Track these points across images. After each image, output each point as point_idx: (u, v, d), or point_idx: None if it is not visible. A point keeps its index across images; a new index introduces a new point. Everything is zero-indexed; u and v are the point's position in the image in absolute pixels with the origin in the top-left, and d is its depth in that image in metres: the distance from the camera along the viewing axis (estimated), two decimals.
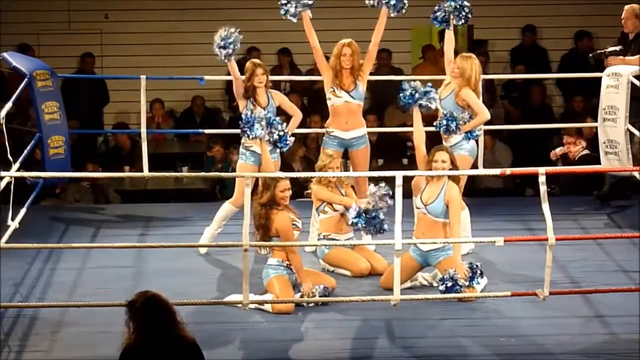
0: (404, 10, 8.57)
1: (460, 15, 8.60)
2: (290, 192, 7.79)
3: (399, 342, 7.11)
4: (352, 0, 12.53)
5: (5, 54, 9.64)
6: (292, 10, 8.54)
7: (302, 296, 7.55)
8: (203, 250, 8.68)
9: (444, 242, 7.76)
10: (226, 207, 8.68)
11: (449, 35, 8.69)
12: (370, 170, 9.15)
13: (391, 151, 11.89)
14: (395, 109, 12.95)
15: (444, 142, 8.45)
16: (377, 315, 7.44)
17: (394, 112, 12.78)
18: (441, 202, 7.78)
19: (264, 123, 7.80)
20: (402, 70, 13.26)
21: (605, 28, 13.18)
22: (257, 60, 8.84)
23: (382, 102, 12.88)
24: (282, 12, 8.61)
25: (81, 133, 11.90)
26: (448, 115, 8.43)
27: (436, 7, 8.66)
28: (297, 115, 8.76)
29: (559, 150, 10.57)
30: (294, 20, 8.57)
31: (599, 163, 9.73)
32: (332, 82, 8.57)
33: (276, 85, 13.26)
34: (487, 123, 8.81)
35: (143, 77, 9.72)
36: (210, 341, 7.09)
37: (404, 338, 7.16)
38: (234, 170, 9.89)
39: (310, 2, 8.54)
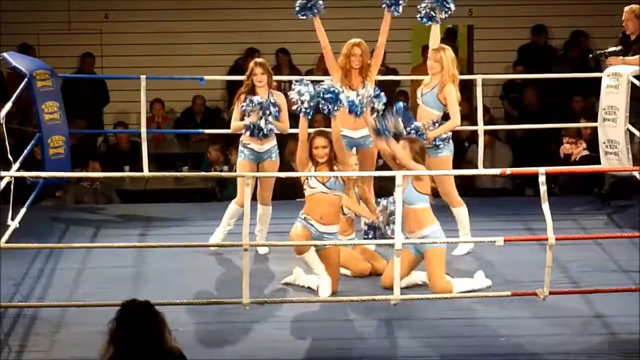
0: (400, 9, 8.55)
1: (445, 7, 8.56)
2: (326, 150, 7.77)
3: (399, 342, 7.11)
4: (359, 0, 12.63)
5: (5, 54, 9.65)
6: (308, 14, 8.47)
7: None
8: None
9: (446, 242, 7.77)
10: (232, 207, 8.70)
11: (434, 30, 8.62)
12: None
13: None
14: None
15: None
16: (377, 315, 7.45)
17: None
18: (412, 190, 7.73)
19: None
20: (397, 70, 13.27)
21: (602, 28, 13.22)
22: (259, 60, 8.85)
23: None
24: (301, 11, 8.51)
25: (81, 133, 11.92)
26: (413, 130, 8.26)
27: (419, 6, 8.61)
28: (283, 129, 8.71)
29: (565, 149, 10.65)
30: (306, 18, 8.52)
31: (599, 163, 9.74)
32: (340, 81, 8.57)
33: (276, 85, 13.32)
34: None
35: (143, 77, 9.72)
36: (210, 341, 7.10)
37: (404, 338, 7.16)
38: (233, 170, 9.90)
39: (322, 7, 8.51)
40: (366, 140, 8.57)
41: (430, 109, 8.46)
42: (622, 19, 9.63)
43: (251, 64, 8.73)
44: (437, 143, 8.41)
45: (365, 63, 8.52)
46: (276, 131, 8.60)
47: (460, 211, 8.55)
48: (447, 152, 8.47)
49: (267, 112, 8.46)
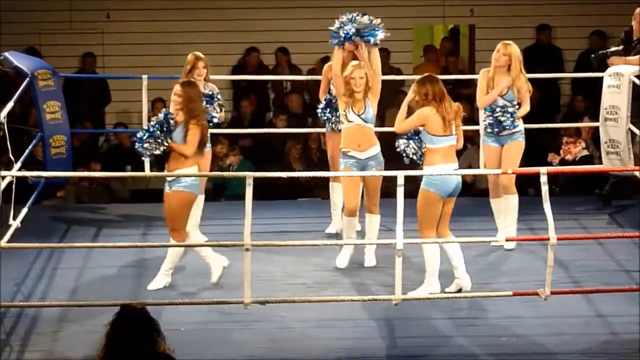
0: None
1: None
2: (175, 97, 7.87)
3: (399, 342, 7.11)
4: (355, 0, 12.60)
5: (6, 54, 9.65)
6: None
7: None
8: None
9: (445, 242, 7.77)
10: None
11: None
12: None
13: (392, 151, 11.87)
14: (395, 109, 12.95)
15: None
16: (377, 315, 7.45)
17: (395, 112, 12.76)
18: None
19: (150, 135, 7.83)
20: (400, 70, 13.26)
21: (604, 27, 13.23)
22: (199, 54, 8.99)
23: (382, 102, 12.85)
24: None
25: (84, 134, 11.94)
26: (500, 112, 8.64)
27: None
28: (221, 117, 9.00)
29: (554, 157, 10.67)
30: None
31: (597, 163, 9.74)
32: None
33: (277, 85, 13.32)
34: None
35: (145, 76, 9.73)
36: (210, 341, 7.10)
37: (404, 338, 7.16)
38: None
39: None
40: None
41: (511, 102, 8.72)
42: (633, 20, 9.57)
43: (192, 58, 8.90)
44: (515, 130, 8.68)
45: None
46: (216, 121, 8.90)
47: (515, 199, 8.76)
48: (523, 138, 8.78)
49: (211, 101, 8.72)
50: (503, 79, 8.65)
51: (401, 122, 7.87)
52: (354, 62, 8.25)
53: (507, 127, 8.66)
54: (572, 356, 6.89)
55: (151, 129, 7.75)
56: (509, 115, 8.65)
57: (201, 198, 9.00)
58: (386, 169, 8.25)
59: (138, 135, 7.81)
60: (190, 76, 8.74)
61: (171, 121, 7.77)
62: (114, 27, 13.66)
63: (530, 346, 7.03)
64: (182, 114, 7.84)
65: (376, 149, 8.24)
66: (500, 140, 8.75)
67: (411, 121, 7.81)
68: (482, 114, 8.83)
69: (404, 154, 7.87)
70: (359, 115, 8.15)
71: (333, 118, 8.76)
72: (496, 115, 8.67)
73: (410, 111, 7.93)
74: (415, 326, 7.32)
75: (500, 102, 8.67)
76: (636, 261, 8.36)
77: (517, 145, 8.72)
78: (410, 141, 7.80)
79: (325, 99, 8.83)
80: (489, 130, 8.75)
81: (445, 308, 7.57)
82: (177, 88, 7.92)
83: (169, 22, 13.62)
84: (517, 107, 8.69)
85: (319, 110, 8.87)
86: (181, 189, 7.82)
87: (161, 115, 7.82)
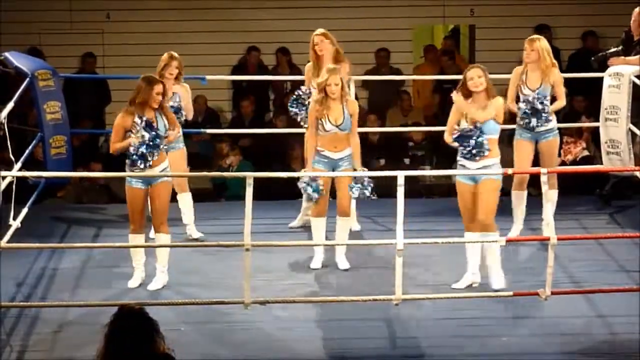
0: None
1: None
2: (160, 97, 7.86)
3: (399, 342, 7.11)
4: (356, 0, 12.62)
5: (7, 54, 9.65)
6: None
7: None
8: None
9: (446, 242, 7.77)
10: None
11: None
12: (372, 170, 9.16)
13: (392, 151, 11.90)
14: (396, 109, 12.98)
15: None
16: (377, 315, 7.45)
17: (395, 112, 12.79)
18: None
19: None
20: (400, 70, 13.27)
21: (603, 28, 13.23)
22: (174, 53, 9.03)
23: (382, 102, 12.89)
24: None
25: (84, 134, 11.95)
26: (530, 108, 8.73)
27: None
28: (189, 115, 9.04)
29: (565, 151, 10.70)
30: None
31: (598, 164, 9.75)
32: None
33: (277, 85, 13.33)
34: None
35: None
36: (210, 341, 7.10)
37: (404, 338, 7.16)
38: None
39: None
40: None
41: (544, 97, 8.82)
42: (632, 20, 9.58)
43: (166, 56, 8.96)
44: (551, 127, 8.81)
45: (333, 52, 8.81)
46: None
47: (555, 194, 8.89)
48: (557, 135, 8.94)
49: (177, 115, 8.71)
50: (535, 73, 8.76)
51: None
52: (330, 67, 8.28)
53: (539, 123, 8.71)
54: (572, 356, 6.89)
55: (153, 139, 7.75)
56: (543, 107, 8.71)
57: (188, 196, 9.00)
58: (387, 168, 8.26)
59: (135, 152, 7.71)
60: (162, 74, 8.76)
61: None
62: (114, 27, 13.66)
63: (530, 346, 7.03)
64: (157, 108, 7.92)
65: (350, 150, 8.26)
66: (535, 136, 8.82)
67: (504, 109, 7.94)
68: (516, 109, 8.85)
69: (476, 150, 7.74)
70: (337, 126, 8.17)
71: (302, 113, 8.83)
72: (532, 104, 8.69)
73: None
74: (415, 326, 7.32)
75: (531, 96, 8.72)
76: (636, 261, 8.36)
77: (554, 143, 8.90)
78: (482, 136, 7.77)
79: (296, 94, 8.91)
80: (523, 125, 8.79)
81: (445, 308, 7.56)
82: (160, 87, 7.87)
83: (169, 22, 13.62)
84: (547, 99, 8.72)
85: (289, 105, 8.96)
86: (165, 180, 7.96)
87: (141, 123, 7.78)
